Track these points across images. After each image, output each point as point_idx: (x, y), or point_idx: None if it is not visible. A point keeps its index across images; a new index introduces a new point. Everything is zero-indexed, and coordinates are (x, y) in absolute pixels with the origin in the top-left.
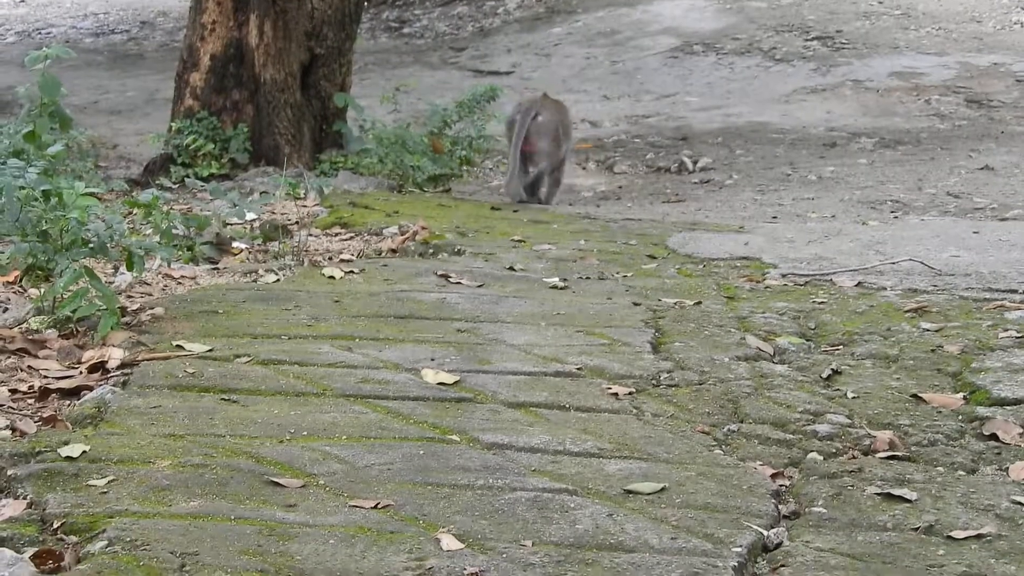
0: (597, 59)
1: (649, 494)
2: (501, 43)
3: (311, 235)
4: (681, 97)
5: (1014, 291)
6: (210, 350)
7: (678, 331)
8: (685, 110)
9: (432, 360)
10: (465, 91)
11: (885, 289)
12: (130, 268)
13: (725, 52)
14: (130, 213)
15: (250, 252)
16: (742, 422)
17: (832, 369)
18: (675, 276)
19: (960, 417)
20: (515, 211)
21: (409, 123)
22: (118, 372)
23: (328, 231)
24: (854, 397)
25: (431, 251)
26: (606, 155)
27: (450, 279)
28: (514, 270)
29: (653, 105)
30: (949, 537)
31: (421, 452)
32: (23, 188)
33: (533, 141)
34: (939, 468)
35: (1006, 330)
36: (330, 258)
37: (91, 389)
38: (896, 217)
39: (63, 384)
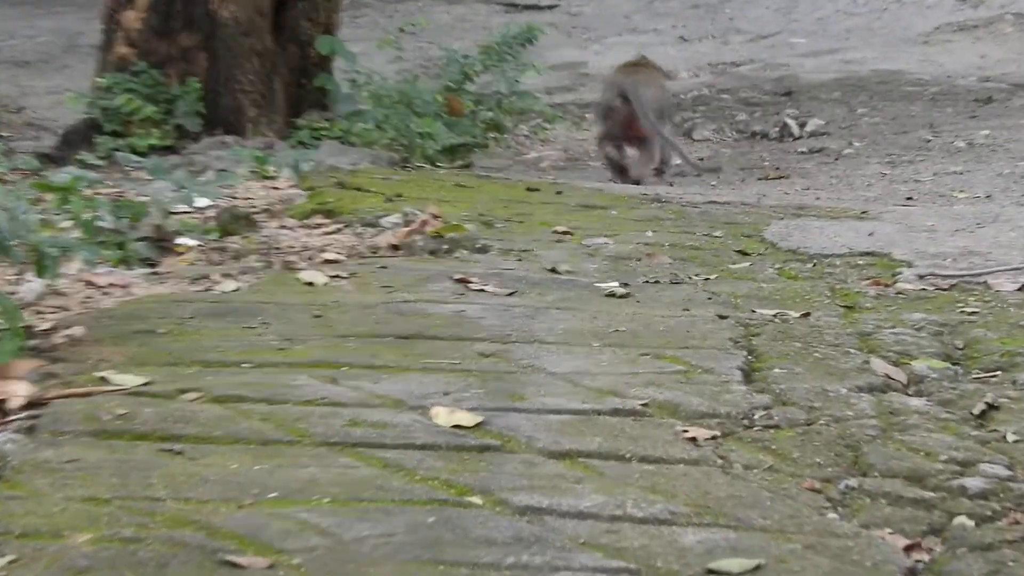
0: None
1: (740, 574)
2: None
3: (284, 228)
4: (783, 38)
5: None
6: (147, 383)
7: (778, 353)
8: (789, 55)
9: (446, 395)
10: (493, 32)
11: None
12: (40, 273)
13: None
14: (41, 199)
15: (202, 251)
16: (865, 475)
17: (987, 403)
18: (775, 279)
19: None
20: (559, 192)
21: (417, 76)
22: (22, 415)
23: (307, 222)
24: (1016, 441)
25: (445, 248)
26: (683, 116)
27: (471, 285)
28: (557, 272)
29: (746, 49)
30: None
31: (431, 520)
32: None
33: (639, 126)
34: None
35: None
36: (310, 258)
37: None
38: None
39: None
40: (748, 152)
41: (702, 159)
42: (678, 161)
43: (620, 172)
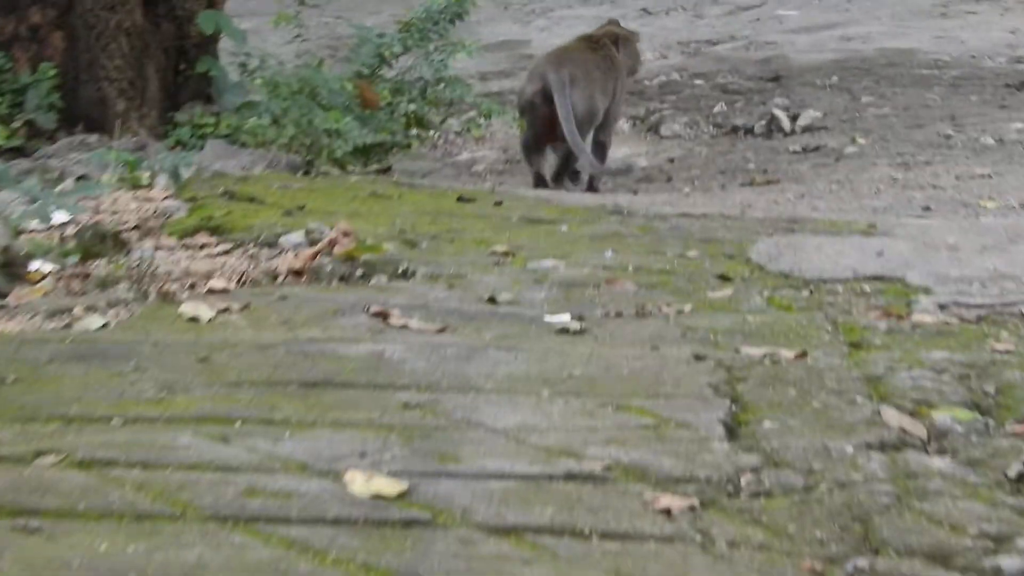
0: None
1: None
2: None
3: (161, 248)
4: (770, 9)
5: None
6: None
7: (769, 402)
8: (777, 31)
9: (363, 457)
10: (414, 5)
11: None
12: None
13: None
14: None
15: (60, 278)
16: (877, 554)
17: None
18: (763, 310)
19: None
20: (498, 203)
21: (322, 60)
22: None
23: (189, 241)
24: None
25: (360, 273)
26: (648, 108)
27: (391, 320)
28: (497, 303)
29: (724, 23)
30: None
31: None
32: None
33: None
34: None
35: None
36: (193, 287)
37: None
38: None
39: None
40: (728, 151)
41: (672, 160)
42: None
43: (541, 184)
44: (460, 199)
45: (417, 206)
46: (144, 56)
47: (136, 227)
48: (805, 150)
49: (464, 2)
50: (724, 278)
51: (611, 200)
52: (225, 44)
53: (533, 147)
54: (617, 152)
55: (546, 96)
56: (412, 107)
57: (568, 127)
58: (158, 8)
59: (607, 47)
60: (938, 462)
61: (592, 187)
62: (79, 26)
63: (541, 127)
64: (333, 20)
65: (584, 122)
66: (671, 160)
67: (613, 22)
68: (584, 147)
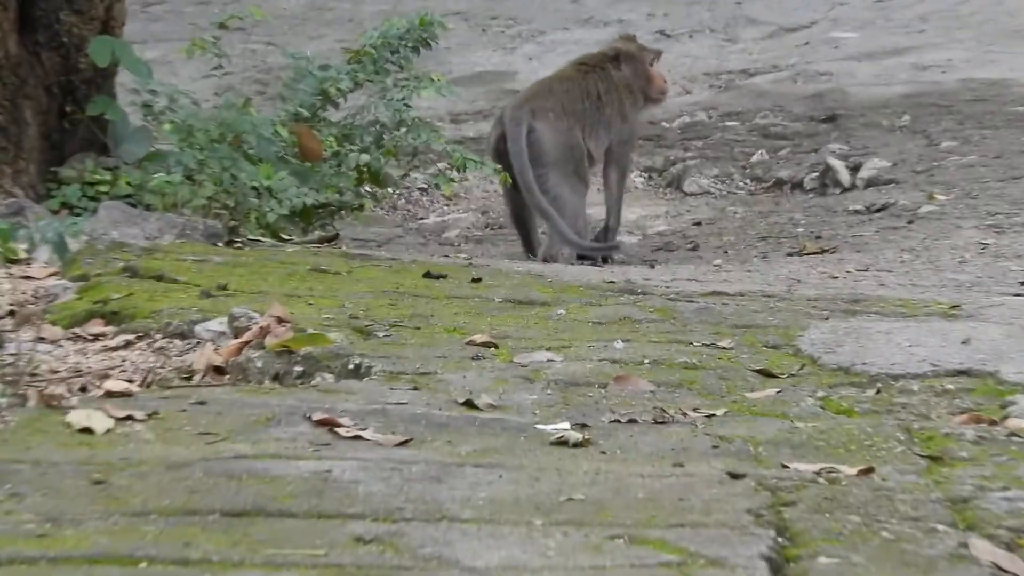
0: None
1: None
2: None
3: (44, 340)
4: (822, 30)
5: None
6: None
7: (825, 533)
8: (832, 58)
9: None
10: (367, 27)
11: None
12: None
13: None
14: None
15: None
16: None
17: None
18: (817, 414)
19: None
20: (476, 280)
21: (249, 98)
22: None
23: (80, 331)
24: None
25: (299, 370)
26: (667, 157)
27: (341, 430)
28: (476, 408)
29: (763, 49)
30: None
31: None
32: None
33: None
34: None
35: None
36: (84, 389)
37: None
38: None
39: None
40: (771, 212)
41: (698, 223)
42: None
43: (529, 248)
44: (427, 275)
45: (372, 285)
46: (19, 95)
47: (11, 313)
48: (869, 210)
49: (431, 25)
50: (767, 374)
51: (621, 275)
52: (124, 79)
53: (514, 206)
54: (628, 213)
55: (500, 143)
56: (365, 158)
57: (523, 179)
58: (37, 34)
59: (601, 69)
60: None
61: (591, 256)
62: None
63: (515, 180)
64: (263, 47)
65: (558, 164)
66: (697, 223)
67: (626, 38)
68: (547, 206)
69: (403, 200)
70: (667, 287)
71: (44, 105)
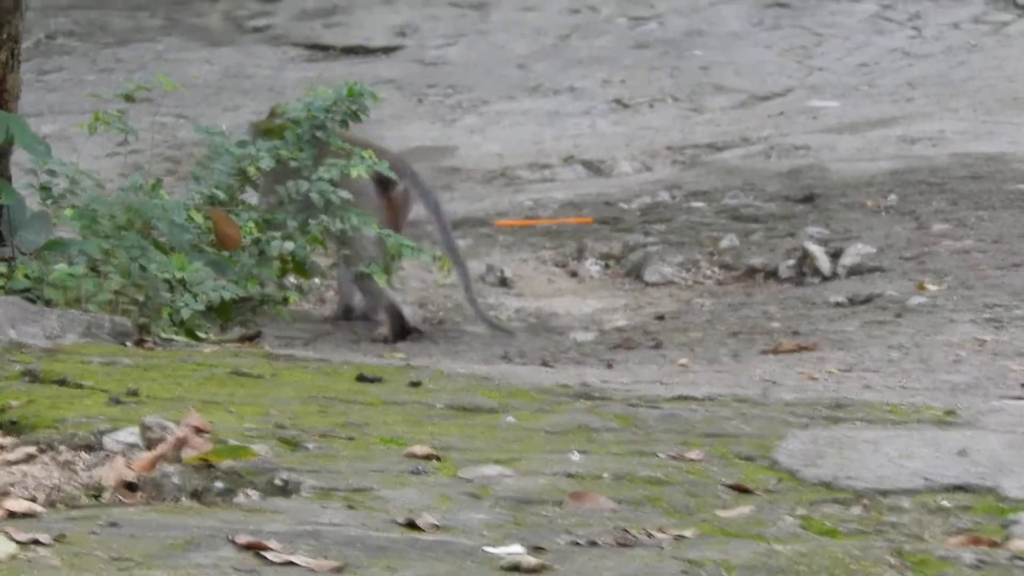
0: (596, 12)
1: None
2: None
3: None
4: (799, 98)
5: None
6: None
7: None
8: (809, 129)
9: None
10: (289, 96)
11: None
12: None
13: None
14: None
15: None
16: None
17: None
18: (797, 535)
19: None
20: (415, 383)
21: (159, 179)
22: None
23: None
24: None
25: (220, 487)
26: (626, 242)
27: (267, 554)
28: (418, 528)
29: (732, 119)
30: None
31: None
32: None
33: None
34: None
35: None
36: None
37: None
38: None
39: None
40: (743, 304)
41: (661, 317)
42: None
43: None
44: (361, 378)
45: (300, 389)
46: None
47: None
48: (852, 301)
49: (360, 95)
50: (740, 490)
51: (576, 378)
52: (20, 157)
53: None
54: (583, 306)
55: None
56: (289, 246)
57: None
58: None
59: None
60: None
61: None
62: None
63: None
64: (173, 120)
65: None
66: (660, 317)
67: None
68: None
69: (332, 292)
70: (628, 391)
71: None
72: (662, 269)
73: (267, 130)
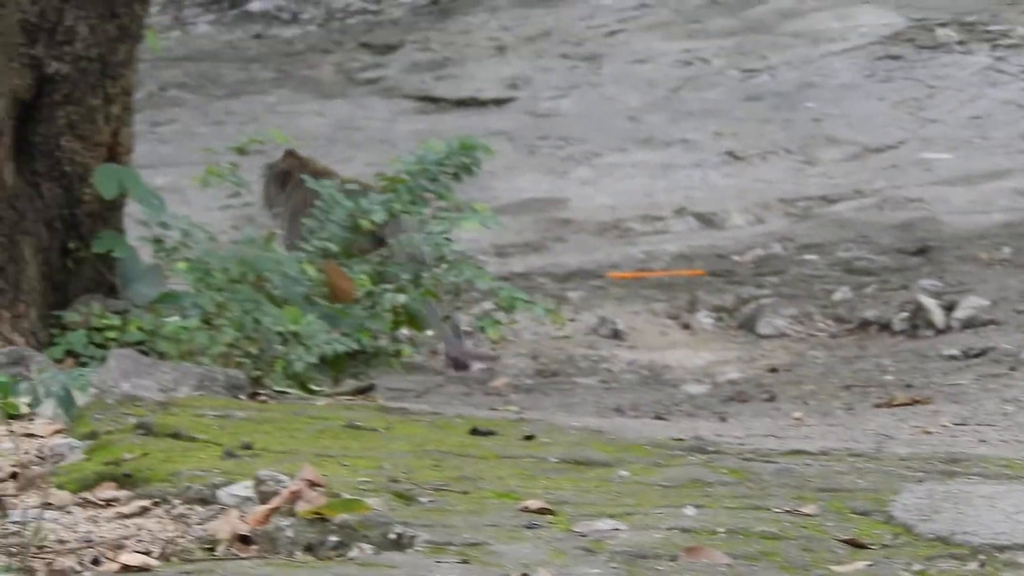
0: (708, 64)
1: None
2: (481, 33)
3: (50, 506)
4: (912, 151)
5: None
6: None
7: None
8: (923, 182)
9: None
10: (400, 147)
11: None
12: None
13: (1014, 41)
14: None
15: None
16: None
17: None
18: None
19: None
20: (528, 437)
21: (272, 232)
22: None
23: (90, 496)
24: None
25: (334, 540)
26: (739, 295)
27: None
28: None
29: (845, 172)
30: None
31: None
32: None
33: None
34: None
35: None
36: (96, 562)
37: None
38: None
39: None
40: (856, 357)
41: (774, 370)
42: None
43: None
44: (474, 432)
45: (413, 443)
46: (17, 231)
47: (13, 476)
48: (966, 354)
49: (473, 149)
50: (856, 545)
51: (689, 430)
52: (133, 209)
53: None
54: (695, 358)
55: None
56: (402, 298)
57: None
58: (36, 163)
59: None
60: None
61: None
62: None
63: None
64: None
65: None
66: (773, 370)
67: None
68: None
69: (443, 344)
70: (741, 444)
71: (45, 242)
72: (775, 322)
73: (283, 172)
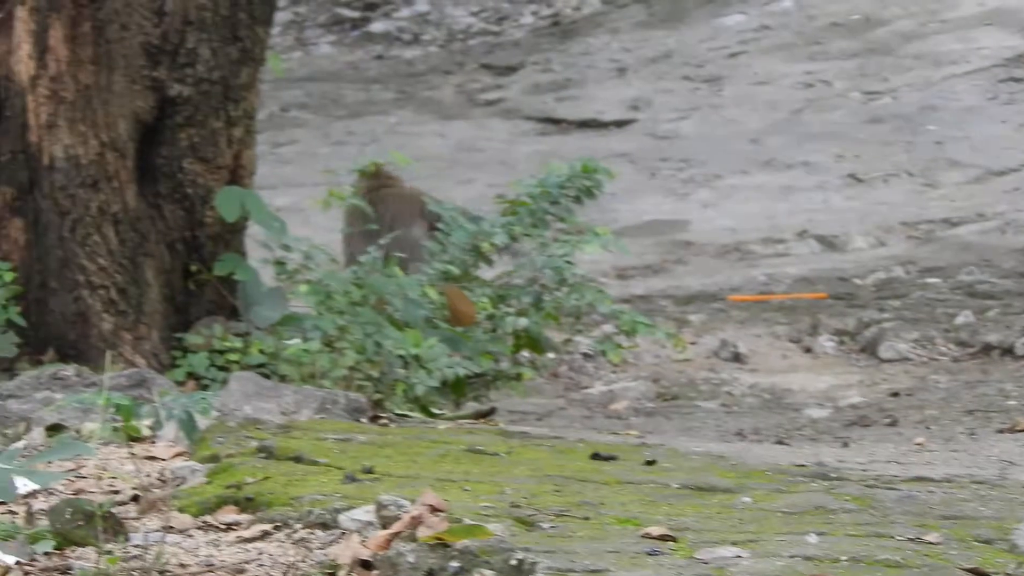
0: (829, 86)
1: None
2: (602, 54)
3: (171, 530)
4: None
5: None
6: None
7: None
8: None
9: None
10: (521, 169)
11: None
12: None
13: None
14: None
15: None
16: None
17: None
18: None
19: None
20: (649, 462)
21: (393, 255)
22: None
23: (211, 519)
24: None
25: (455, 566)
26: (860, 318)
27: None
28: None
29: (968, 195)
30: None
31: None
32: None
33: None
34: None
35: None
36: None
37: None
38: None
39: None
40: (979, 381)
41: (896, 394)
42: None
43: None
44: (595, 456)
45: (534, 467)
46: (139, 253)
47: (134, 499)
48: None
49: (596, 172)
50: (979, 574)
51: (811, 456)
52: (254, 231)
53: None
54: (818, 382)
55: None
56: (523, 322)
57: None
58: (159, 185)
59: None
60: None
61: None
62: (46, 211)
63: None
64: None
65: None
66: (895, 394)
67: None
68: None
69: (565, 367)
70: (864, 471)
71: (167, 264)
72: (897, 345)
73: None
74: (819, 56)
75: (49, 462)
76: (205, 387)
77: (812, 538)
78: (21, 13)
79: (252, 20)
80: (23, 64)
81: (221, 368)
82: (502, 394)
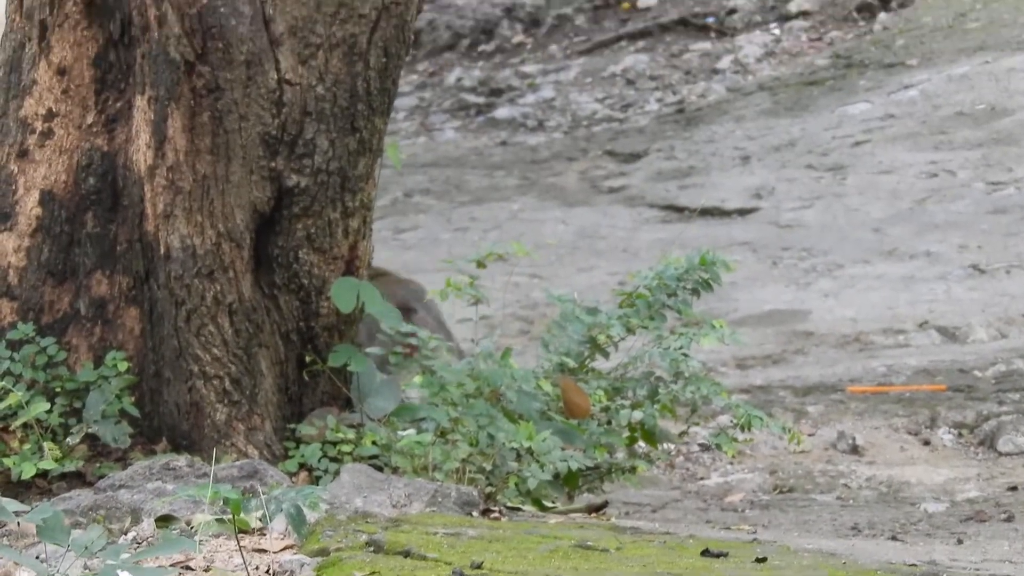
0: (953, 176)
1: None
2: (726, 142)
3: None
4: None
5: None
6: None
7: None
8: None
9: None
10: (641, 256)
11: None
12: None
13: None
14: None
15: None
16: None
17: None
18: None
19: None
20: (761, 559)
21: (509, 348)
22: None
23: None
24: None
25: None
26: (979, 411)
27: None
28: None
29: None
30: None
31: None
32: None
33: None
34: None
35: None
36: None
37: None
38: None
39: None
40: None
41: (1014, 488)
42: None
43: None
44: (706, 553)
45: (643, 564)
46: (254, 343)
47: None
48: None
49: (715, 264)
50: None
51: (924, 554)
52: (369, 323)
53: None
54: (934, 475)
55: None
56: (638, 415)
57: None
58: (274, 275)
59: None
60: None
61: None
62: (162, 300)
63: None
64: (527, 280)
65: None
66: (1013, 488)
67: None
68: None
69: (681, 458)
70: (976, 570)
71: (281, 354)
72: (1016, 439)
73: None
74: (943, 146)
75: (156, 557)
76: (317, 478)
77: None
78: (139, 102)
79: (370, 111)
80: (141, 153)
81: (333, 459)
82: (616, 485)
